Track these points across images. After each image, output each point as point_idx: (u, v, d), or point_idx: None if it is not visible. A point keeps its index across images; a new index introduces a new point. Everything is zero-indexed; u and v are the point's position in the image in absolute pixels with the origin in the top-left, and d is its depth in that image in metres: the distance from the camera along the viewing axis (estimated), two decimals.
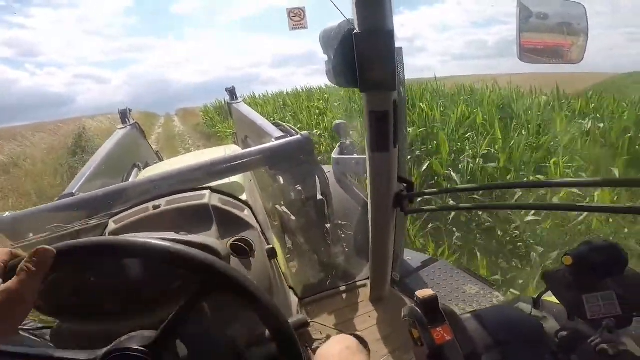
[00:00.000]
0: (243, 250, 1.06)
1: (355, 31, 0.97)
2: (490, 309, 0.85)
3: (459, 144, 5.13)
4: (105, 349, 0.57)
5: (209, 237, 0.85)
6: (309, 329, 1.75)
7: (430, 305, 0.70)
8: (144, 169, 2.77)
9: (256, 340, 0.73)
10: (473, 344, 0.78)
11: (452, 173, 4.38)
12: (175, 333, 0.58)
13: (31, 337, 0.93)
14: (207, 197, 1.15)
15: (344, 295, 2.03)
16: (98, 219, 1.24)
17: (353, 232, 2.28)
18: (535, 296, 0.94)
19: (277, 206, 2.45)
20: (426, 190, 1.38)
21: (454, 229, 3.59)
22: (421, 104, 6.66)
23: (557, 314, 0.91)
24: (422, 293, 0.71)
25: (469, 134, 5.46)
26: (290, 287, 1.65)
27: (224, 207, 1.15)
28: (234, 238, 1.08)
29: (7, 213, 1.53)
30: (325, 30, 1.13)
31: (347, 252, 2.29)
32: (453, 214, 3.62)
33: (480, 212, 3.49)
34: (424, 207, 1.44)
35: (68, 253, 0.56)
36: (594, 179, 0.96)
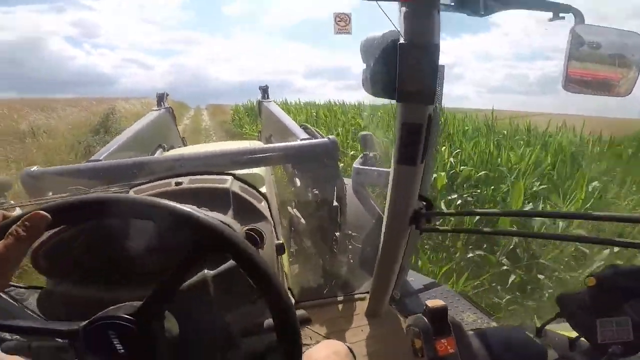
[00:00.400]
0: (254, 240, 1.04)
1: (400, 41, 0.96)
2: (498, 329, 0.85)
3: (530, 199, 4.14)
4: (86, 321, 0.54)
5: (230, 219, 0.87)
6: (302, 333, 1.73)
7: (439, 316, 0.71)
8: (168, 150, 2.82)
9: (254, 329, 0.73)
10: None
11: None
12: (165, 301, 0.55)
13: (10, 300, 0.91)
14: (229, 182, 1.15)
15: (341, 305, 2.02)
16: (119, 187, 1.23)
17: (361, 244, 2.26)
18: (539, 325, 0.93)
19: (289, 207, 2.45)
20: (445, 211, 1.36)
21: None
22: (478, 139, 6.10)
23: (559, 344, 0.90)
24: (432, 303, 0.71)
25: (541, 185, 4.59)
26: (289, 289, 1.64)
27: (243, 194, 1.14)
28: (247, 227, 1.06)
29: (35, 167, 1.55)
30: (368, 38, 1.13)
31: (352, 263, 2.28)
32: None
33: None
34: (440, 227, 1.42)
35: (61, 211, 0.54)
36: (626, 214, 0.94)
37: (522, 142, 6.47)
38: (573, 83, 1.03)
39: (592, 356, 0.75)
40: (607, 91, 1.02)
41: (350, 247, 2.29)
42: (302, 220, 2.21)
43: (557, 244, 3.13)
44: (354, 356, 1.60)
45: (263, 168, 1.81)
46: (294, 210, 2.39)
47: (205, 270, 0.72)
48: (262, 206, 1.20)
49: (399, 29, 0.98)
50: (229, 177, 1.18)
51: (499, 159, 5.25)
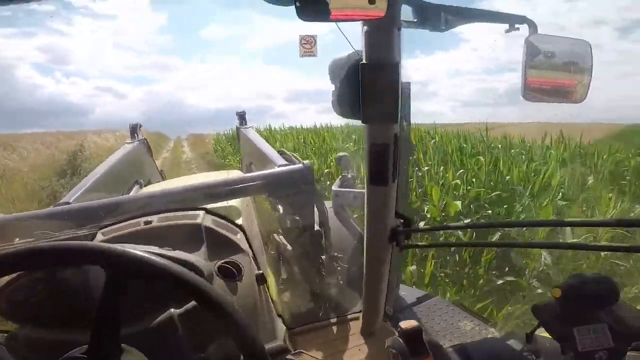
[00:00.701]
0: (231, 273, 1.07)
1: (362, 62, 0.96)
2: (479, 343, 0.84)
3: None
4: None
5: (193, 255, 0.86)
6: (298, 359, 1.70)
7: (413, 336, 0.69)
8: (145, 186, 2.74)
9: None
10: None
11: None
12: (115, 337, 0.56)
13: None
14: (200, 218, 1.15)
15: (335, 327, 2.00)
16: (87, 229, 1.22)
17: (348, 265, 2.25)
18: (528, 331, 0.92)
19: (275, 234, 2.43)
20: (423, 227, 1.36)
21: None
22: (480, 158, 5.68)
23: (550, 350, 0.89)
24: (405, 324, 0.70)
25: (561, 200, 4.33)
26: (279, 316, 1.62)
27: (216, 228, 1.15)
28: (223, 260, 1.08)
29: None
30: (334, 60, 1.14)
31: (341, 285, 2.25)
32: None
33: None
34: (420, 243, 1.41)
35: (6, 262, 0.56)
36: (598, 219, 0.94)
37: (522, 156, 6.37)
38: (532, 92, 1.05)
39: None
40: (564, 98, 1.05)
41: (339, 268, 2.28)
42: (289, 247, 2.19)
43: None
44: None
45: (240, 199, 1.79)
46: (280, 237, 2.37)
47: (172, 310, 0.73)
48: (238, 238, 1.20)
49: (359, 50, 0.99)
50: (201, 212, 1.18)
51: (507, 177, 4.96)
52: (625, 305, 0.78)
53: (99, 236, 1.13)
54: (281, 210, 2.04)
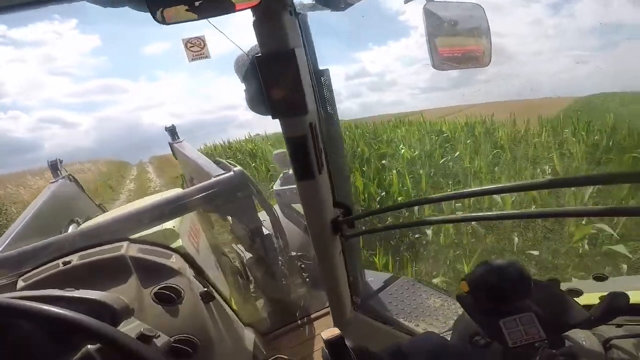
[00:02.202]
0: (169, 297, 1.06)
1: (258, 55, 0.91)
2: (419, 339, 0.78)
3: None
4: None
5: (101, 292, 0.82)
6: None
7: (337, 346, 0.63)
8: (84, 223, 2.60)
9: None
10: None
11: None
12: None
13: None
14: (124, 249, 1.12)
15: (309, 326, 1.99)
16: (7, 279, 1.24)
17: (310, 261, 2.23)
18: None
19: (234, 245, 2.38)
20: (363, 213, 1.34)
21: None
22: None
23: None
24: (326, 333, 0.64)
25: None
26: (248, 325, 1.58)
27: (144, 256, 1.13)
28: (158, 286, 1.07)
29: None
30: (237, 57, 1.09)
31: (307, 283, 2.24)
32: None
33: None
34: (364, 230, 1.39)
35: None
36: (527, 182, 0.94)
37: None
38: (445, 61, 1.04)
39: (527, 349, 0.68)
40: (475, 63, 1.05)
41: (302, 266, 2.26)
42: (249, 255, 2.15)
43: None
44: None
45: (177, 220, 1.73)
46: (239, 246, 2.32)
47: (88, 346, 0.69)
48: (173, 261, 1.17)
49: (254, 45, 0.94)
50: (124, 243, 1.15)
51: None
52: (547, 287, 0.73)
53: (20, 283, 1.11)
54: (231, 221, 2.00)
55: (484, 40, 1.02)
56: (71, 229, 2.54)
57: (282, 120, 1.00)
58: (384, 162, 6.53)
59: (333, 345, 0.62)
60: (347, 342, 0.63)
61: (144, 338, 0.69)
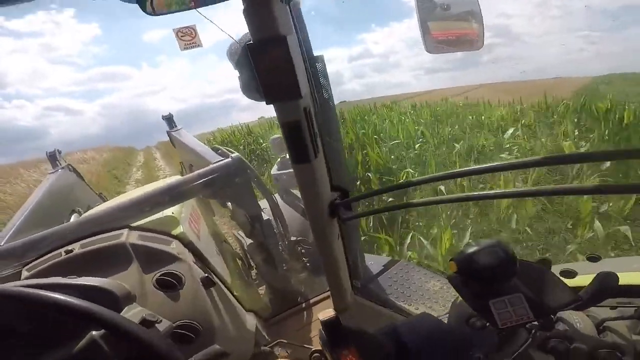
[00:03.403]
0: (170, 284, 1.08)
1: (249, 42, 0.92)
2: (414, 320, 0.79)
3: None
4: None
5: (102, 279, 0.82)
6: (277, 349, 1.71)
7: (333, 327, 0.65)
8: (85, 212, 2.59)
9: None
10: None
11: None
12: None
13: None
14: (124, 236, 1.14)
15: (309, 311, 2.01)
16: (12, 269, 1.24)
17: (311, 247, 2.25)
18: None
19: (234, 231, 2.40)
20: (359, 195, 1.35)
21: None
22: None
23: None
24: (323, 315, 0.66)
25: None
26: (250, 311, 1.61)
27: (144, 243, 1.14)
28: (160, 272, 1.09)
29: None
30: (230, 45, 1.10)
31: (308, 267, 2.26)
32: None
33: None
34: (361, 212, 1.40)
35: None
36: (522, 160, 0.95)
37: None
38: (437, 44, 1.06)
39: (520, 330, 0.72)
40: (468, 46, 1.06)
41: (302, 251, 2.28)
42: (249, 241, 2.17)
43: None
44: None
45: (177, 206, 1.74)
46: (239, 232, 2.34)
47: (93, 332, 0.70)
48: (173, 248, 1.20)
49: (245, 33, 0.95)
50: (124, 231, 1.18)
51: None
52: (537, 268, 0.74)
53: (24, 273, 1.13)
54: (231, 207, 2.01)
55: (476, 23, 1.04)
56: (73, 218, 2.54)
57: (276, 105, 1.02)
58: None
59: (329, 325, 0.64)
60: (344, 323, 0.65)
61: (146, 323, 0.70)
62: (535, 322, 0.68)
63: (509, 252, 0.66)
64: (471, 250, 0.68)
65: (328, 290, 2.00)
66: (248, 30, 0.93)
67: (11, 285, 0.64)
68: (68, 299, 0.61)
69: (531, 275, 0.70)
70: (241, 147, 11.55)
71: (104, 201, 3.22)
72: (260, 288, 2.45)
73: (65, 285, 0.73)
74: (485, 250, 0.67)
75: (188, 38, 1.13)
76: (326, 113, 1.27)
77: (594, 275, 0.72)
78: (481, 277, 0.67)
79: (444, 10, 1.04)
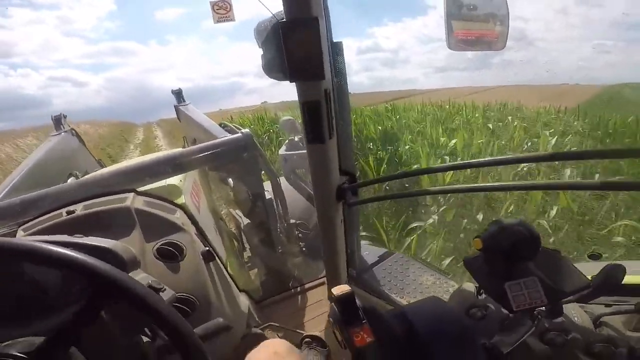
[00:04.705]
0: (170, 254, 1.04)
1: (282, 20, 0.95)
2: (421, 303, 0.80)
3: None
4: None
5: (110, 240, 0.80)
6: (267, 332, 1.72)
7: (347, 303, 0.63)
8: (83, 177, 2.57)
9: (163, 349, 0.71)
10: (398, 344, 0.72)
11: None
12: (68, 341, 0.53)
13: None
14: (129, 200, 1.10)
15: (302, 296, 2.02)
16: (7, 228, 1.19)
17: (308, 231, 2.26)
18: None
19: (231, 209, 2.41)
20: (368, 180, 1.38)
21: None
22: None
23: (498, 306, 0.89)
24: (337, 290, 0.64)
25: None
26: (243, 291, 1.60)
27: (149, 209, 1.10)
28: (161, 241, 1.05)
29: None
30: (259, 23, 1.12)
31: (305, 251, 2.28)
32: None
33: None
34: (367, 198, 1.43)
35: None
36: (534, 154, 0.98)
37: None
38: (460, 43, 1.09)
39: (525, 318, 0.72)
40: (488, 47, 1.09)
41: (300, 235, 2.29)
42: (246, 220, 2.18)
43: None
44: (325, 344, 1.59)
45: (180, 177, 1.73)
46: (236, 211, 2.35)
47: (93, 297, 0.68)
48: (177, 217, 1.16)
49: (279, 11, 0.98)
50: (130, 195, 1.13)
51: None
52: (552, 253, 0.75)
53: (20, 233, 1.06)
54: (232, 184, 2.02)
55: (500, 25, 1.06)
56: (70, 182, 2.48)
57: (299, 84, 1.04)
58: None
59: (343, 301, 0.63)
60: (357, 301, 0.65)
61: (152, 290, 0.65)
62: (543, 308, 0.70)
63: (533, 231, 0.68)
64: (497, 227, 0.70)
65: (322, 277, 2.03)
66: (282, 9, 0.96)
67: (20, 239, 0.58)
68: (78, 256, 0.55)
69: (545, 259, 0.72)
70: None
71: (102, 167, 3.23)
72: (252, 269, 2.46)
73: (72, 244, 0.69)
74: (511, 228, 0.69)
75: (223, 12, 1.14)
76: (340, 98, 1.30)
77: (594, 274, 0.75)
78: (506, 254, 0.69)
79: (469, 10, 1.07)
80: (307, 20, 0.92)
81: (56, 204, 1.12)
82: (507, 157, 0.87)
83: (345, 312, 0.63)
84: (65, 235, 0.74)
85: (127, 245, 0.85)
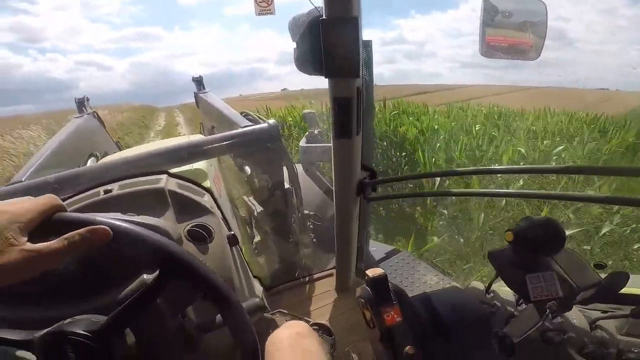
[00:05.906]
0: (200, 236, 1.05)
1: (322, 17, 0.97)
2: (442, 292, 0.85)
3: None
4: (44, 331, 0.51)
5: (160, 220, 0.82)
6: (277, 317, 1.76)
7: (380, 285, 0.69)
8: (102, 158, 2.66)
9: (209, 325, 0.72)
10: (422, 326, 0.78)
11: None
12: (128, 321, 0.54)
13: None
14: (163, 181, 1.11)
15: (310, 285, 2.05)
16: None
17: (320, 222, 2.30)
18: (488, 282, 0.98)
19: (245, 197, 2.44)
20: (388, 177, 1.41)
21: None
22: None
23: (506, 302, 0.94)
24: (372, 272, 0.70)
25: None
26: (255, 277, 1.64)
27: (181, 191, 1.11)
28: (192, 223, 1.06)
29: None
30: (295, 17, 1.14)
31: (315, 242, 2.31)
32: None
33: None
34: (387, 194, 1.46)
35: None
36: (551, 166, 1.00)
37: None
38: (491, 49, 1.10)
39: (534, 312, 0.77)
40: (521, 56, 1.10)
41: (311, 226, 2.33)
42: (260, 208, 2.21)
43: None
44: (331, 333, 1.63)
45: (205, 162, 1.76)
46: (250, 199, 2.38)
47: (145, 276, 0.69)
48: (205, 200, 1.17)
49: (318, 6, 1.00)
50: (164, 176, 1.14)
51: None
52: (570, 252, 0.82)
53: None
54: (249, 172, 2.05)
55: (536, 35, 1.07)
56: (90, 162, 2.61)
57: (333, 80, 1.07)
58: None
59: (377, 282, 0.68)
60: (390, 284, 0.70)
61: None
62: (558, 300, 0.75)
63: (560, 228, 0.75)
64: (529, 222, 0.77)
65: (330, 269, 2.06)
66: (319, 6, 0.99)
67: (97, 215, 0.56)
68: (162, 238, 0.55)
69: (564, 256, 0.79)
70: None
71: (120, 149, 3.35)
72: (262, 256, 2.50)
73: (130, 222, 0.72)
74: (540, 224, 0.76)
75: (264, 4, 1.17)
76: (367, 95, 1.33)
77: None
78: (534, 247, 0.76)
79: (504, 17, 1.08)
80: (348, 20, 0.94)
81: (92, 183, 1.13)
82: (537, 166, 0.92)
83: (378, 292, 0.69)
84: (119, 214, 0.72)
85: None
